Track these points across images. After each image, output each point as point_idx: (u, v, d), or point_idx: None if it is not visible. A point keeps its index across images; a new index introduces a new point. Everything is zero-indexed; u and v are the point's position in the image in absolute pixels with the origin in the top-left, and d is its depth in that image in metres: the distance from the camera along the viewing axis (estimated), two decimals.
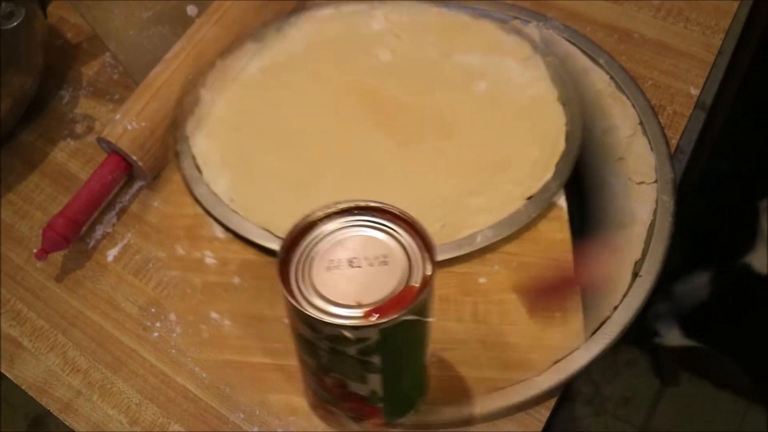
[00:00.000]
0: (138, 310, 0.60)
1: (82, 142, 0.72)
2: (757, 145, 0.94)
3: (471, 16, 0.80)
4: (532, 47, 0.76)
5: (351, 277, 0.44)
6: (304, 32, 0.80)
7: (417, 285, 0.43)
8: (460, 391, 0.54)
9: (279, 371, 0.55)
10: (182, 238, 0.64)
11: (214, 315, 0.59)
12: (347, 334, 0.41)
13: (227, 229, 0.64)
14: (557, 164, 0.66)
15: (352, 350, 0.43)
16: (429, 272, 0.43)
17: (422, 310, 0.44)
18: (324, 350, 0.44)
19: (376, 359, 0.44)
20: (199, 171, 0.68)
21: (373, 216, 0.47)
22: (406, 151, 0.68)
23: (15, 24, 0.62)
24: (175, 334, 0.58)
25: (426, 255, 0.44)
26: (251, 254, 0.63)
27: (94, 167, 0.66)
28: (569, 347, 0.57)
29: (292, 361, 0.55)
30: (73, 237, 0.61)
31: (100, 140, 0.64)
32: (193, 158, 0.69)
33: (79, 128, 0.72)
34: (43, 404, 0.56)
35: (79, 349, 0.58)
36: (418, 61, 0.76)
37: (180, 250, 0.63)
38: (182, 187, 0.68)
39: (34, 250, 0.61)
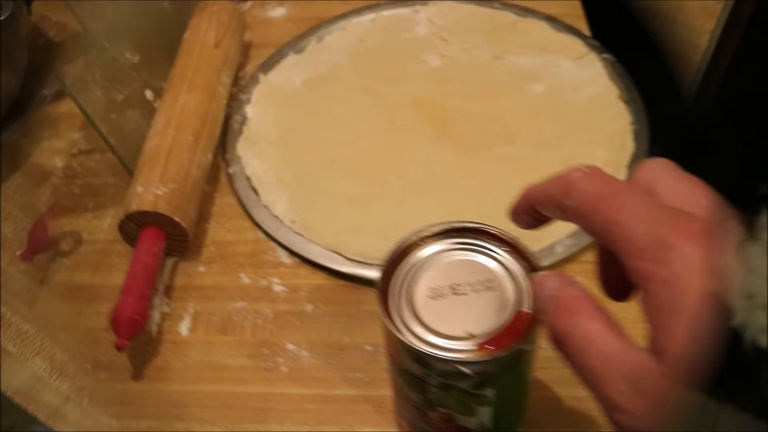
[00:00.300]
0: (248, 358, 0.56)
1: (77, 255, 0.64)
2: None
3: (516, 13, 0.77)
4: (585, 44, 0.74)
5: (457, 305, 0.41)
6: (345, 41, 0.77)
7: (529, 310, 0.40)
8: (557, 412, 0.52)
9: (366, 403, 0.53)
10: (246, 265, 0.61)
11: (290, 346, 0.56)
12: (464, 369, 0.39)
13: (292, 253, 0.61)
14: (628, 166, 0.63)
15: (464, 384, 0.40)
16: None
17: (535, 336, 0.41)
18: (433, 386, 0.41)
19: (489, 392, 0.41)
20: (256, 193, 0.65)
21: (471, 238, 0.44)
22: (467, 159, 0.65)
23: (2, 18, 0.59)
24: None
25: (532, 276, 0.41)
26: (320, 278, 0.60)
27: (105, 272, 0.63)
28: None
29: (379, 391, 0.53)
30: (147, 315, 0.56)
31: (129, 217, 0.58)
32: (248, 179, 0.66)
33: (64, 245, 0.65)
34: None
35: (207, 423, 0.53)
36: (469, 65, 0.73)
37: (245, 279, 0.60)
38: (240, 211, 0.65)
39: (113, 343, 0.53)
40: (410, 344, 0.39)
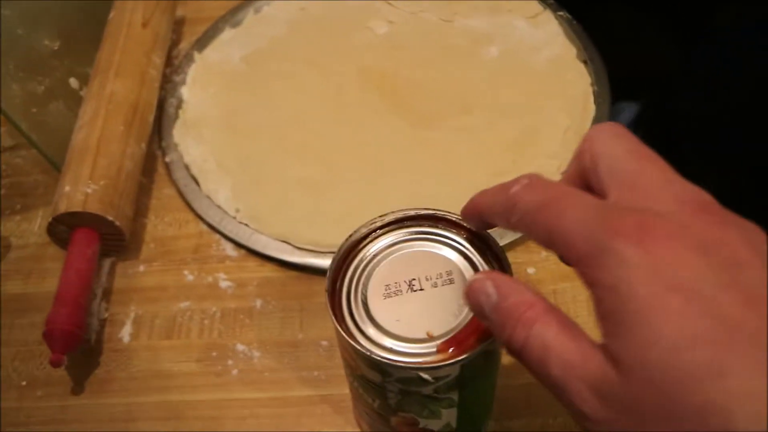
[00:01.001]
0: (196, 363, 0.52)
1: (7, 262, 0.59)
2: None
3: None
4: (540, 3, 0.69)
5: (414, 302, 0.37)
6: (285, 12, 0.72)
7: None
8: (526, 399, 0.49)
9: (324, 403, 0.49)
10: (189, 261, 0.57)
11: (240, 347, 0.52)
12: (425, 375, 0.35)
13: (238, 244, 0.57)
14: None
15: (427, 390, 0.37)
16: None
17: None
18: (393, 392, 0.38)
19: (453, 395, 0.38)
20: (196, 182, 0.60)
21: (427, 226, 0.40)
22: (422, 133, 0.61)
23: None
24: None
25: (496, 267, 0.38)
26: (269, 271, 0.56)
27: (37, 278, 0.58)
28: None
29: (337, 390, 0.49)
30: (84, 326, 0.51)
31: (58, 219, 0.54)
32: (187, 168, 0.61)
33: None
34: None
35: None
36: (418, 31, 0.69)
37: (189, 276, 0.56)
38: (180, 203, 0.60)
39: (48, 359, 0.49)
40: (365, 351, 0.35)
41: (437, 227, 0.40)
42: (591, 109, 0.61)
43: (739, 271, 0.24)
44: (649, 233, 0.25)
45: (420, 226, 0.40)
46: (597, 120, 0.60)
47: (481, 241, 0.39)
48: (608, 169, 0.30)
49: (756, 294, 0.24)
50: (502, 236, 0.55)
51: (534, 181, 0.31)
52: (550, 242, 0.29)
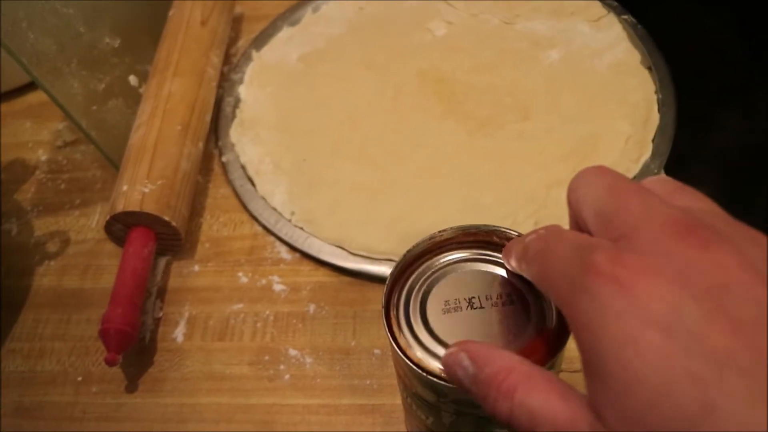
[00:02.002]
0: (248, 366, 0.52)
1: (65, 257, 0.60)
2: None
3: None
4: (603, 5, 0.68)
5: (473, 321, 0.36)
6: (343, 10, 0.72)
7: (552, 327, 0.36)
8: None
9: (376, 413, 0.49)
10: (244, 263, 0.57)
11: (292, 352, 0.52)
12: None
13: (293, 248, 0.57)
14: (654, 140, 0.58)
15: (483, 412, 0.36)
16: None
17: (561, 358, 0.36)
18: (448, 412, 0.37)
19: None
20: (252, 183, 0.60)
21: (489, 246, 0.39)
22: (480, 139, 0.60)
23: None
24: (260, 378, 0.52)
25: None
26: (323, 275, 0.55)
27: (94, 274, 0.59)
28: None
29: (389, 400, 0.49)
30: (138, 325, 0.51)
31: (115, 218, 0.54)
32: (243, 168, 0.61)
33: (51, 247, 0.61)
34: None
35: None
36: (478, 33, 0.68)
37: (243, 278, 0.56)
38: (235, 203, 0.60)
39: (104, 357, 0.49)
40: (420, 372, 0.35)
41: (498, 244, 0.39)
42: (655, 117, 0.59)
43: (726, 295, 0.22)
44: (623, 267, 0.23)
45: (481, 245, 0.39)
46: (661, 129, 0.59)
47: None
48: (591, 210, 0.28)
49: (745, 318, 0.22)
50: None
51: (549, 229, 0.30)
52: (544, 288, 0.28)
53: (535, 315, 0.35)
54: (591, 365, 0.24)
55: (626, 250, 0.24)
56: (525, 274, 0.31)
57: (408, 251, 0.39)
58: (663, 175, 0.28)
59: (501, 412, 0.27)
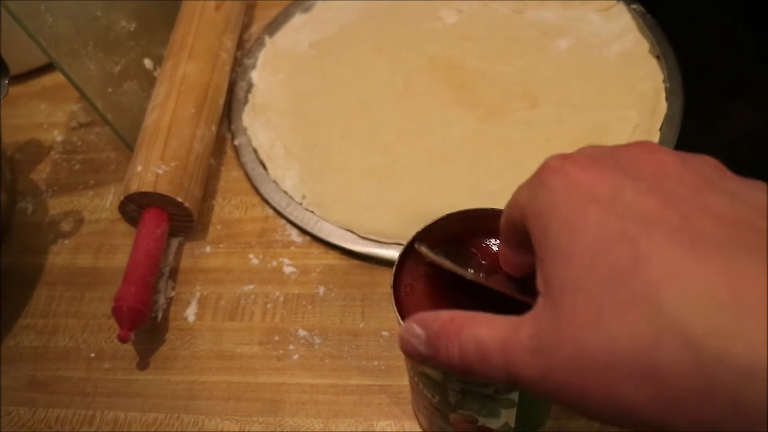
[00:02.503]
0: (258, 346, 0.53)
1: (79, 236, 0.61)
2: None
3: None
4: None
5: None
6: None
7: None
8: None
9: (383, 393, 0.50)
10: (255, 245, 0.58)
11: (302, 333, 0.53)
12: None
13: (303, 231, 0.58)
14: (661, 129, 0.59)
15: (488, 390, 0.37)
16: None
17: None
18: (454, 390, 0.38)
19: (513, 395, 0.38)
20: (264, 166, 0.61)
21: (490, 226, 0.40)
22: (489, 125, 0.61)
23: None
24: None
25: None
26: (333, 258, 0.56)
27: (107, 253, 0.60)
28: None
29: (396, 381, 0.50)
30: (150, 304, 0.53)
31: (129, 198, 0.55)
32: (255, 152, 0.62)
33: (66, 226, 0.62)
34: None
35: (217, 416, 0.50)
36: (488, 21, 0.68)
37: (254, 260, 0.57)
38: (247, 186, 0.61)
39: (116, 334, 0.51)
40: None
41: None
42: (663, 106, 0.60)
43: (664, 180, 0.24)
44: (572, 162, 0.26)
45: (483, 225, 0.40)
46: (669, 118, 0.59)
47: None
48: None
49: (679, 194, 0.23)
50: None
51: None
52: (512, 225, 0.30)
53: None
54: (542, 249, 0.26)
55: (577, 154, 0.28)
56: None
57: (416, 234, 0.40)
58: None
59: (454, 358, 0.28)
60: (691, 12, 0.71)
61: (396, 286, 0.38)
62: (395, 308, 0.37)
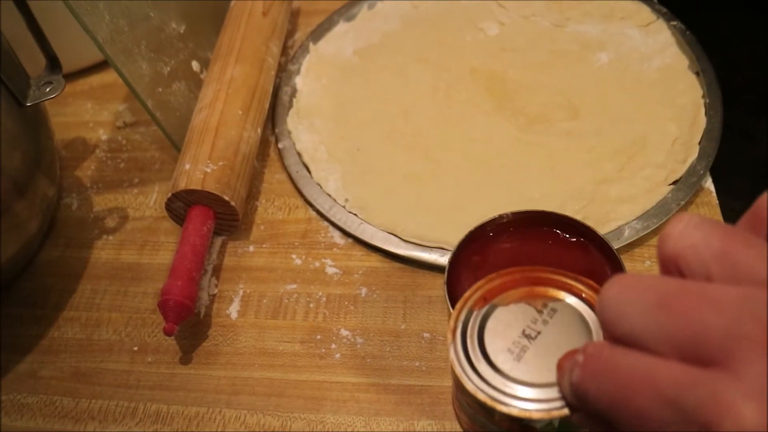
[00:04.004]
0: (300, 344, 0.54)
1: (123, 232, 0.62)
2: None
3: None
4: (652, 11, 0.69)
5: (539, 352, 0.35)
6: (397, 7, 0.74)
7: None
8: None
9: (424, 394, 0.50)
10: (297, 246, 0.59)
11: (344, 332, 0.54)
12: (534, 425, 0.35)
13: (346, 233, 0.58)
14: (700, 143, 0.59)
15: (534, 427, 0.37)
16: None
17: None
18: (497, 420, 0.38)
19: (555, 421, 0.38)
20: (307, 169, 0.62)
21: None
22: (529, 135, 0.62)
23: (54, 96, 0.54)
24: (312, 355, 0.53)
25: (611, 274, 0.38)
26: (375, 261, 0.57)
27: (151, 250, 0.61)
28: None
29: (437, 382, 0.50)
30: (195, 299, 0.53)
31: (177, 195, 0.56)
32: (299, 155, 0.63)
33: (110, 222, 0.63)
34: None
35: (259, 411, 0.51)
36: (529, 34, 0.69)
37: (297, 260, 0.58)
38: (290, 188, 0.62)
39: (162, 328, 0.51)
40: (480, 398, 0.34)
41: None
42: (702, 120, 0.61)
43: None
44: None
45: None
46: (708, 132, 0.60)
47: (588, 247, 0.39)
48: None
49: None
50: None
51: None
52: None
53: (582, 324, 0.35)
54: None
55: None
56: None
57: (469, 232, 0.41)
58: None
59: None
60: (729, 32, 0.72)
61: (450, 283, 0.39)
62: (449, 304, 0.38)
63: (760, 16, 0.70)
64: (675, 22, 0.68)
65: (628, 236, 0.55)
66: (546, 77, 0.66)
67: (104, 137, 0.69)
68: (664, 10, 0.70)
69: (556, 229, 0.42)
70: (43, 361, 0.55)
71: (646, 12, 0.69)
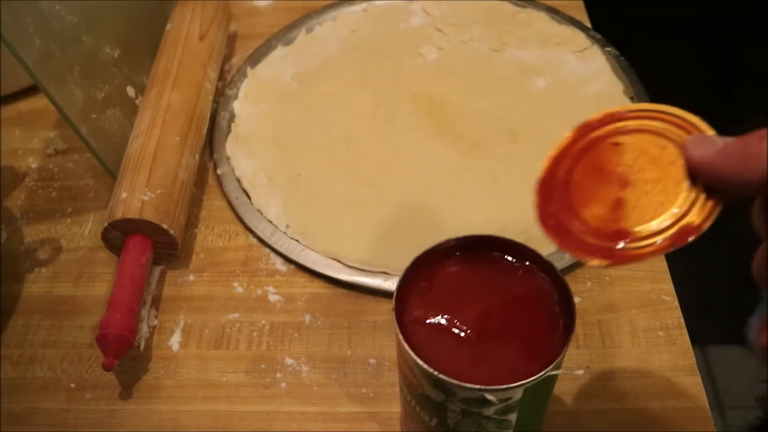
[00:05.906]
0: (244, 374, 0.52)
1: (57, 264, 0.60)
2: None
3: (515, 4, 0.74)
4: (587, 37, 0.71)
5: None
6: (336, 32, 0.74)
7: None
8: (574, 425, 0.49)
9: (372, 420, 0.49)
10: (239, 273, 0.57)
11: (289, 360, 0.53)
12: (490, 397, 0.36)
13: (288, 260, 0.57)
14: None
15: (489, 411, 0.37)
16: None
17: (563, 361, 0.38)
18: (454, 411, 0.38)
19: (511, 417, 0.39)
20: (247, 195, 0.61)
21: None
22: (470, 159, 0.62)
23: None
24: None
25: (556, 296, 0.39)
26: (318, 287, 0.56)
27: (87, 282, 0.59)
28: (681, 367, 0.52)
29: (385, 408, 0.50)
30: (135, 331, 0.52)
31: (114, 225, 0.54)
32: (238, 181, 0.62)
33: (42, 254, 0.61)
34: None
35: None
36: (468, 59, 0.70)
37: (239, 288, 0.57)
38: (230, 215, 0.61)
39: (100, 363, 0.49)
40: (432, 371, 0.36)
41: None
42: None
43: None
44: None
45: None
46: None
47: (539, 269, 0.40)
48: None
49: None
50: None
51: None
52: None
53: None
54: None
55: None
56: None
57: (416, 258, 0.41)
58: None
59: None
60: (662, 57, 0.74)
61: (399, 307, 0.39)
62: (398, 328, 0.38)
63: (691, 43, 0.73)
64: (609, 48, 0.70)
65: (569, 258, 0.55)
66: (485, 102, 0.66)
67: (34, 165, 0.67)
68: (599, 36, 0.71)
69: (501, 252, 0.42)
70: None
71: (581, 38, 0.71)
